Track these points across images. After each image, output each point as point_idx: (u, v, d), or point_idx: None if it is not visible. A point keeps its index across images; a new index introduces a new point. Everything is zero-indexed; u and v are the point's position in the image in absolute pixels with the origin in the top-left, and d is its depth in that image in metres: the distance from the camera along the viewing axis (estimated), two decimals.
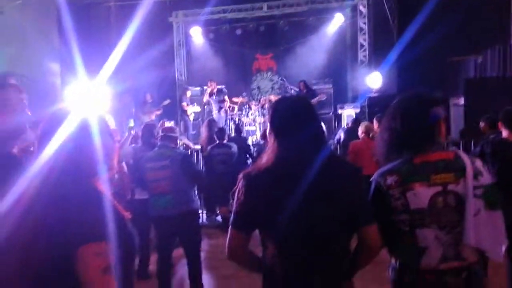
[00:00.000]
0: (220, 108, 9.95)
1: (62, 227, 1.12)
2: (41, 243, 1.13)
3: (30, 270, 1.14)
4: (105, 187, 1.34)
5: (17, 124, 1.62)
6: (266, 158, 1.62)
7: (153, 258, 4.18)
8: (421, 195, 1.63)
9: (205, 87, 10.56)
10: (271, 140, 1.63)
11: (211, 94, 9.90)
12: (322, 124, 1.71)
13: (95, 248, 1.12)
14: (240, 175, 1.63)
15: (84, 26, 10.84)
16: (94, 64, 8.16)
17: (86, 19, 11.24)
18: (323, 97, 9.98)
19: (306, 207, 1.49)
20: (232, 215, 1.62)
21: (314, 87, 10.48)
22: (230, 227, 1.62)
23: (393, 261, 1.75)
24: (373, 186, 1.72)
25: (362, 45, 10.98)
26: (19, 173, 1.29)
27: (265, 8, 11.50)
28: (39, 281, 1.14)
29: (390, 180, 1.66)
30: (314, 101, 9.62)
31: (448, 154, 1.70)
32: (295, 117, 1.59)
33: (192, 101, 10.38)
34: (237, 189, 1.61)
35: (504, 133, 3.43)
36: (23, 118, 1.65)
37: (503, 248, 1.68)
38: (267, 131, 1.68)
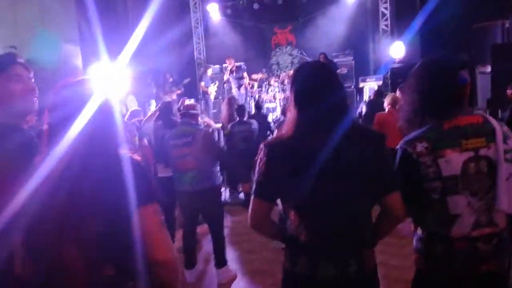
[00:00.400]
0: (239, 86, 9.94)
1: (119, 196, 1.22)
2: (100, 212, 1.21)
3: (87, 240, 1.20)
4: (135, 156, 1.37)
5: (30, 102, 1.67)
6: (286, 128, 1.60)
7: (178, 235, 4.30)
8: (454, 161, 1.58)
9: (224, 65, 10.54)
10: (291, 109, 1.61)
11: (230, 72, 9.87)
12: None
13: (153, 208, 1.28)
14: (261, 145, 1.62)
15: (102, 8, 10.88)
16: (113, 46, 8.24)
17: (104, 1, 11.25)
18: (344, 71, 9.83)
19: (328, 176, 1.48)
20: (254, 184, 1.62)
21: (335, 60, 10.29)
22: (252, 195, 1.63)
23: (419, 231, 1.72)
24: (400, 154, 1.67)
25: (383, 14, 10.65)
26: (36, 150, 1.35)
27: None
28: (97, 246, 1.21)
29: (420, 147, 1.62)
30: None
31: (477, 118, 1.64)
32: (318, 84, 1.56)
33: (212, 79, 10.38)
34: (259, 159, 1.60)
35: None
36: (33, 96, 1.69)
37: None
38: (289, 100, 1.65)
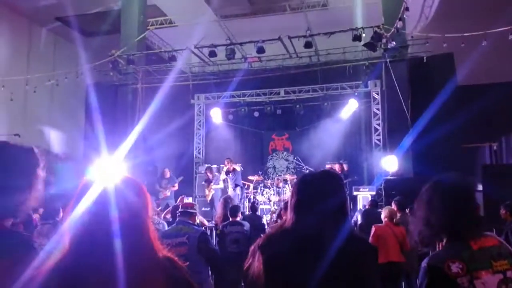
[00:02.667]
0: (235, 186, 10.03)
1: None
2: None
3: None
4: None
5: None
6: (279, 226, 1.62)
7: None
8: (489, 283, 1.55)
9: (221, 165, 10.76)
10: (289, 213, 1.61)
11: (227, 173, 10.05)
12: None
13: None
14: (255, 247, 1.59)
15: (111, 105, 11.47)
16: (117, 139, 8.48)
17: (112, 98, 11.90)
18: (351, 180, 10.06)
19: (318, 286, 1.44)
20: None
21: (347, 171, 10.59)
22: None
23: None
24: (430, 273, 1.60)
25: (376, 129, 11.23)
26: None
27: (282, 93, 12.09)
28: None
29: (455, 267, 1.56)
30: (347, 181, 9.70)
31: (495, 240, 1.67)
32: (322, 190, 1.59)
33: (207, 180, 10.50)
34: (253, 262, 1.57)
35: None
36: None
37: None
38: (288, 203, 1.66)
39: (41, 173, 1.56)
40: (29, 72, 10.29)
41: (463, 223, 1.64)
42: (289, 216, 1.61)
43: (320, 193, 1.58)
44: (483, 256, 1.58)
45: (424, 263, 1.63)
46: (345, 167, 10.47)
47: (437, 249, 1.71)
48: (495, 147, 8.98)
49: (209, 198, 10.01)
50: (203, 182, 10.43)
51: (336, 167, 10.16)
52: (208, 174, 10.27)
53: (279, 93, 12.13)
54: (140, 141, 9.13)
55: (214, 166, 11.47)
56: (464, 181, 1.74)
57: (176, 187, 10.06)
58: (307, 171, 10.80)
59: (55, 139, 10.27)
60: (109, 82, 11.84)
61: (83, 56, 9.66)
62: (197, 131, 12.73)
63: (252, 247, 1.61)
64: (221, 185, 10.06)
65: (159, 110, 9.38)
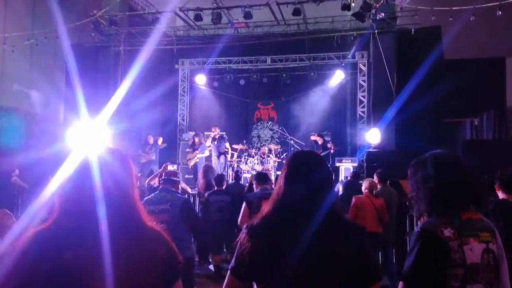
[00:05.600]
0: (219, 154, 10.01)
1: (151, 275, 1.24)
2: None
3: None
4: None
5: None
6: (269, 207, 1.63)
7: None
8: (475, 250, 1.64)
9: (206, 133, 10.70)
10: (277, 187, 1.66)
11: (213, 139, 9.98)
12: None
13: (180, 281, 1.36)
14: (244, 227, 1.63)
15: (91, 68, 11.14)
16: (99, 104, 8.31)
17: (94, 61, 11.56)
18: (331, 152, 10.14)
19: (305, 265, 1.48)
20: (233, 260, 1.61)
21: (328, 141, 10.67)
22: (228, 272, 1.61)
23: None
24: (423, 236, 1.68)
25: (361, 101, 11.27)
26: None
27: (269, 61, 11.93)
28: None
29: (447, 232, 1.64)
30: (323, 154, 9.77)
31: (480, 215, 1.75)
32: (308, 166, 1.65)
33: (193, 146, 10.42)
34: (241, 240, 1.61)
35: (501, 195, 3.46)
36: None
37: None
38: (279, 178, 1.71)
39: None
40: (6, 31, 9.85)
41: (457, 193, 1.72)
42: (279, 188, 1.65)
43: (308, 166, 1.64)
44: (471, 226, 1.68)
45: (417, 229, 1.73)
46: (326, 138, 10.55)
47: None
48: (476, 122, 9.13)
49: (191, 164, 9.94)
50: (187, 149, 10.33)
51: (316, 137, 10.24)
52: (196, 139, 10.19)
53: (265, 61, 11.97)
54: (122, 106, 8.95)
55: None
56: (455, 155, 1.86)
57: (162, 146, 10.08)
58: (291, 141, 10.86)
59: (34, 100, 9.98)
60: (91, 44, 11.46)
61: (64, 16, 9.25)
62: (181, 97, 12.54)
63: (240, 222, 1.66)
64: (207, 153, 10.01)
65: (142, 74, 9.16)
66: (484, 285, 1.64)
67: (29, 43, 9.91)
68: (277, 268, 1.50)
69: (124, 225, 1.24)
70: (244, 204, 4.46)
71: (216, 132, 10.02)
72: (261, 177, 4.95)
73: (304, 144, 10.77)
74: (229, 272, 1.61)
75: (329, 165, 1.81)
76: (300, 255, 1.47)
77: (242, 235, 1.61)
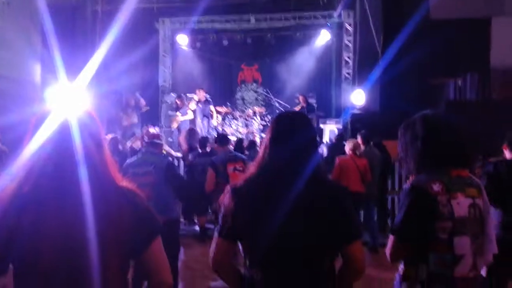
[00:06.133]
0: (203, 117, 9.89)
1: (131, 232, 1.28)
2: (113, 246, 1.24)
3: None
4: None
5: None
6: (253, 168, 1.65)
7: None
8: (463, 204, 1.72)
9: (188, 95, 10.51)
10: (262, 149, 1.66)
11: (198, 102, 9.81)
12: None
13: (159, 238, 1.38)
14: (228, 188, 1.65)
15: (69, 29, 10.69)
16: (77, 66, 8.03)
17: (71, 21, 11.08)
18: (316, 115, 10.11)
19: (288, 224, 1.50)
20: (219, 223, 1.63)
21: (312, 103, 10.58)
22: (215, 234, 1.63)
23: (418, 273, 1.73)
24: (413, 192, 1.75)
25: (346, 62, 11.16)
26: None
27: (252, 21, 11.58)
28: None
29: (436, 187, 1.71)
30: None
31: (468, 173, 1.83)
32: (293, 127, 1.65)
33: (176, 109, 10.24)
34: (224, 201, 1.62)
35: (508, 155, 3.54)
36: None
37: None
38: (263, 140, 1.71)
39: None
40: None
41: (447, 151, 1.78)
42: (262, 153, 1.66)
43: (294, 128, 1.64)
44: (459, 182, 1.77)
45: (407, 185, 1.79)
46: (310, 100, 10.49)
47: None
48: (460, 83, 9.16)
49: (174, 127, 9.81)
50: (169, 112, 10.16)
51: (300, 98, 10.18)
52: (178, 101, 10.00)
53: (249, 21, 11.62)
54: (102, 68, 8.66)
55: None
56: (445, 116, 1.94)
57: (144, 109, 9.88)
58: (276, 103, 10.78)
59: (9, 62, 9.58)
60: (67, 3, 10.93)
61: None
62: (163, 59, 12.17)
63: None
64: (190, 115, 9.85)
65: (121, 35, 8.82)
66: (470, 238, 1.71)
67: (2, 2, 9.40)
68: (260, 227, 1.52)
69: (101, 185, 1.26)
70: (209, 169, 4.44)
71: (200, 95, 9.84)
72: (223, 139, 4.91)
73: (289, 106, 10.71)
74: (215, 233, 1.63)
75: (314, 127, 1.80)
76: (283, 215, 1.49)
77: (226, 196, 1.62)
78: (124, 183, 1.37)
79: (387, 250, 1.79)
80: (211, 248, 1.63)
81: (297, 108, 10.05)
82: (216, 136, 5.21)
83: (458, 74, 8.98)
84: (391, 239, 1.78)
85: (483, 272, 1.88)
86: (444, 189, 1.71)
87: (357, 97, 9.84)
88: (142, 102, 10.01)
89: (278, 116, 1.79)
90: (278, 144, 1.61)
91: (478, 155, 1.96)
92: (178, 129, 9.67)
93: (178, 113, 9.74)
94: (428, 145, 1.79)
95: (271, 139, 1.64)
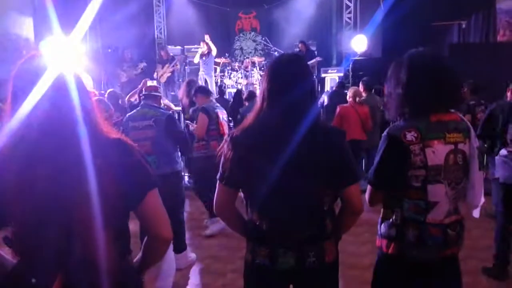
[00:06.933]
0: (209, 72, 9.66)
1: (126, 184, 1.25)
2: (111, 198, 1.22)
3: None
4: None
5: None
6: (251, 118, 1.63)
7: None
8: (439, 152, 1.68)
9: (186, 46, 10.26)
10: (260, 99, 1.64)
11: (201, 56, 9.53)
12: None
13: (156, 191, 1.35)
14: (226, 137, 1.66)
15: None
16: (69, 19, 7.77)
17: None
18: (319, 59, 9.88)
19: (286, 174, 1.51)
20: (220, 170, 1.65)
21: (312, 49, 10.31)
22: (217, 181, 1.66)
23: (393, 217, 1.76)
24: (387, 140, 1.72)
25: (347, 6, 10.77)
26: None
27: None
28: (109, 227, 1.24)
29: (409, 136, 1.67)
30: (311, 62, 9.52)
31: (455, 116, 1.76)
32: (292, 75, 1.60)
33: (162, 62, 10.00)
34: (224, 149, 1.63)
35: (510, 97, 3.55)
36: None
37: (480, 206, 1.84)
38: (261, 88, 1.67)
39: None
40: None
41: (425, 96, 1.70)
42: (260, 103, 1.63)
43: (290, 78, 1.59)
44: (439, 128, 1.69)
45: (384, 132, 1.75)
46: (311, 47, 10.23)
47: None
48: (463, 25, 8.89)
49: (163, 80, 9.62)
50: (157, 64, 9.93)
51: (300, 45, 9.93)
52: (162, 53, 9.77)
53: None
54: (97, 22, 8.39)
55: (178, 47, 10.92)
56: (435, 55, 1.76)
57: (138, 71, 9.62)
58: (276, 52, 10.53)
59: (2, 17, 9.28)
60: None
61: None
62: (157, 9, 11.76)
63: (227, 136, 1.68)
64: (177, 65, 9.68)
65: None
66: (448, 184, 1.70)
67: None
68: (259, 178, 1.55)
69: (95, 139, 1.25)
70: (203, 115, 4.43)
71: (205, 48, 9.52)
72: (205, 91, 4.88)
73: None
74: (218, 181, 1.66)
75: (313, 74, 1.72)
76: (280, 166, 1.51)
77: (225, 144, 1.63)
78: (116, 135, 1.33)
79: (366, 196, 1.81)
80: (215, 192, 1.67)
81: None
82: (197, 87, 5.13)
83: (462, 16, 8.69)
84: (368, 188, 1.80)
85: (476, 213, 1.86)
86: (419, 138, 1.66)
87: (359, 43, 9.60)
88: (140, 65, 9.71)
89: (273, 63, 1.70)
90: (276, 95, 1.58)
91: (461, 97, 1.85)
92: (169, 81, 9.53)
93: (166, 65, 9.54)
94: (408, 91, 1.71)
95: (268, 88, 1.60)
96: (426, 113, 1.70)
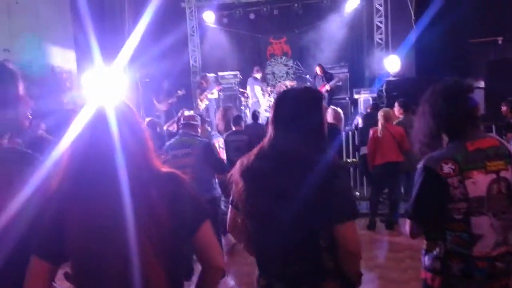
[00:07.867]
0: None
1: (180, 216, 1.27)
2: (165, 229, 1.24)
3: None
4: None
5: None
6: (258, 147, 1.66)
7: None
8: (480, 183, 1.62)
9: (219, 73, 10.52)
10: (269, 132, 1.65)
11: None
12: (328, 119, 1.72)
13: (209, 222, 1.37)
14: (238, 162, 1.69)
15: (98, 13, 10.82)
16: (108, 51, 8.16)
17: (99, 5, 11.20)
18: (339, 81, 9.87)
19: (278, 210, 1.52)
20: (232, 194, 1.72)
21: (330, 71, 10.36)
22: (229, 203, 1.76)
23: (436, 250, 1.72)
24: (424, 173, 1.67)
25: (378, 27, 10.74)
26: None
27: None
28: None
29: (447, 168, 1.63)
30: (331, 84, 9.54)
31: (494, 141, 1.70)
32: (295, 110, 1.60)
33: (202, 90, 10.26)
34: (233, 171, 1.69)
35: None
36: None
37: None
38: (268, 119, 1.71)
39: (21, 88, 1.48)
40: None
41: (458, 124, 1.68)
42: (269, 133, 1.65)
43: (294, 112, 1.59)
44: (478, 157, 1.64)
45: (420, 164, 1.71)
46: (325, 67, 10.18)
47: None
48: (500, 41, 8.66)
49: (202, 107, 9.87)
50: (197, 91, 10.19)
51: (317, 69, 9.93)
52: (203, 82, 10.04)
53: None
54: (135, 53, 8.73)
55: (212, 74, 11.19)
56: (459, 82, 1.76)
57: (175, 100, 9.92)
58: (307, 75, 10.61)
59: (46, 51, 9.87)
60: None
61: None
62: (191, 37, 12.18)
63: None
64: (215, 94, 9.92)
65: (149, 18, 8.86)
66: (493, 216, 1.63)
67: None
68: (253, 208, 1.59)
69: (141, 174, 1.25)
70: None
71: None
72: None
73: None
74: (229, 203, 1.77)
75: (321, 107, 1.68)
76: (273, 200, 1.53)
77: (234, 170, 1.69)
78: (166, 168, 1.35)
79: (407, 228, 1.78)
80: (228, 213, 1.79)
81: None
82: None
83: (498, 33, 8.48)
84: (408, 223, 1.76)
85: None
86: (457, 169, 1.61)
87: (392, 63, 9.53)
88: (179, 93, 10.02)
89: (279, 96, 1.70)
90: (279, 128, 1.60)
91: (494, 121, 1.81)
92: (207, 109, 9.75)
93: (206, 92, 9.79)
94: (436, 117, 1.69)
95: (272, 123, 1.63)
96: (462, 141, 1.67)
